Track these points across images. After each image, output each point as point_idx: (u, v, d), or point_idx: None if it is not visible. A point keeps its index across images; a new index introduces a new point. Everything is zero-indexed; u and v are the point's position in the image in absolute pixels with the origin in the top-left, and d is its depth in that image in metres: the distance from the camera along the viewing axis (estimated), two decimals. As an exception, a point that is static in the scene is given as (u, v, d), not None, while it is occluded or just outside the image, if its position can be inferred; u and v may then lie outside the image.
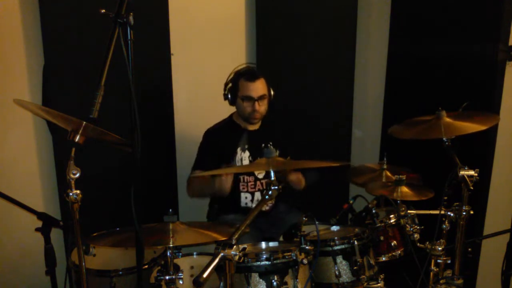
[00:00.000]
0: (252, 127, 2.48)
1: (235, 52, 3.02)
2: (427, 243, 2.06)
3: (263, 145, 2.43)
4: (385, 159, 2.52)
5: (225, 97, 2.44)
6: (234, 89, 2.39)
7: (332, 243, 1.87)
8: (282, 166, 1.74)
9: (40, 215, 1.77)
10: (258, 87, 2.36)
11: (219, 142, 2.43)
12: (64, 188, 1.41)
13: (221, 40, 2.96)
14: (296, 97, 2.99)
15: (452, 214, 1.94)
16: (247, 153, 2.44)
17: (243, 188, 2.46)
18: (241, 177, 2.44)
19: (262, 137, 2.43)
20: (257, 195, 2.47)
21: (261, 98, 2.36)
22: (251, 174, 2.45)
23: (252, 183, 2.46)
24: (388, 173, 2.51)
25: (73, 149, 1.44)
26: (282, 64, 2.99)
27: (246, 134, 2.45)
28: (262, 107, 2.37)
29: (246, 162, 2.42)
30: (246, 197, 2.47)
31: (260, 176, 2.48)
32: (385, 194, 2.21)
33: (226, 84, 2.43)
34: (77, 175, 1.40)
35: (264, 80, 2.38)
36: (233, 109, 2.48)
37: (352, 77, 3.15)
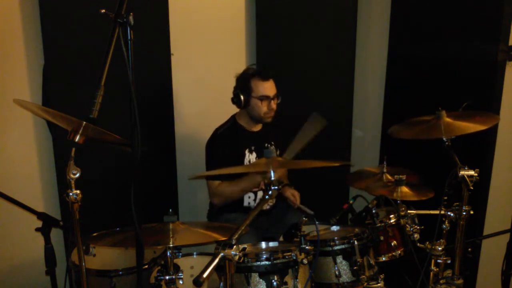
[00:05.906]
0: (255, 128, 2.48)
1: (235, 52, 3.02)
2: (427, 243, 2.06)
3: (266, 145, 2.43)
4: (384, 163, 2.51)
5: (236, 101, 2.38)
6: (246, 90, 2.34)
7: (332, 243, 1.87)
8: (282, 165, 1.74)
9: (40, 215, 1.77)
10: (272, 86, 2.37)
11: (228, 148, 2.38)
12: (64, 188, 1.41)
13: (221, 40, 2.96)
14: (296, 97, 2.99)
15: (452, 214, 1.94)
16: (254, 155, 2.44)
17: None
18: None
19: (266, 137, 2.44)
20: (260, 195, 2.48)
21: (275, 96, 2.36)
22: None
23: None
24: (389, 176, 2.49)
25: (73, 149, 1.44)
26: (282, 64, 2.98)
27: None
28: (275, 105, 2.37)
29: None
30: (249, 197, 2.47)
31: None
32: (385, 194, 2.21)
33: (236, 88, 2.39)
34: (77, 175, 1.40)
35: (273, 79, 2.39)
36: (232, 108, 2.47)
37: (352, 77, 3.14)
